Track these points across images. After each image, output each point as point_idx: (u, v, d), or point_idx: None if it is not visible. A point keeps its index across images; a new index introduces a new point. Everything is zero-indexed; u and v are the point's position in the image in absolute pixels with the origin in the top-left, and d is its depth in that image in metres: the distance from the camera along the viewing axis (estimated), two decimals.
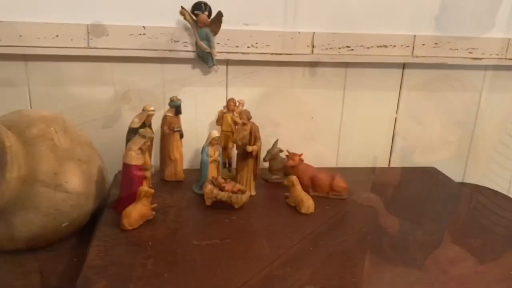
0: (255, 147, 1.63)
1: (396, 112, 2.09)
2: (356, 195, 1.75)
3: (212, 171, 1.68)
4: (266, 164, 1.83)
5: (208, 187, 1.59)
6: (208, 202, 1.60)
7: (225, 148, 1.85)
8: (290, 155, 1.72)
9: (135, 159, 1.52)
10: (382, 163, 2.15)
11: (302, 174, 1.72)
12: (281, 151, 1.82)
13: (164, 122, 1.74)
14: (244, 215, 1.56)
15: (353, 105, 1.96)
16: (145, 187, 1.48)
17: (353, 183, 1.82)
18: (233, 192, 1.58)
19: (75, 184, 1.45)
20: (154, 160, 1.82)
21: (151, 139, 1.58)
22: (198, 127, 1.93)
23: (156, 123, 1.75)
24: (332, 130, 1.97)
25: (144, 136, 1.51)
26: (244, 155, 1.65)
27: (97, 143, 1.73)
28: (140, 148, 1.53)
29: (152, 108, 1.63)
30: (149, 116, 1.64)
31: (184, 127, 1.79)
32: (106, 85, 1.86)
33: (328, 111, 1.94)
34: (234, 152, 1.73)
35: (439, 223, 1.57)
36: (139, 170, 1.53)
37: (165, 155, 1.77)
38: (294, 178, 1.64)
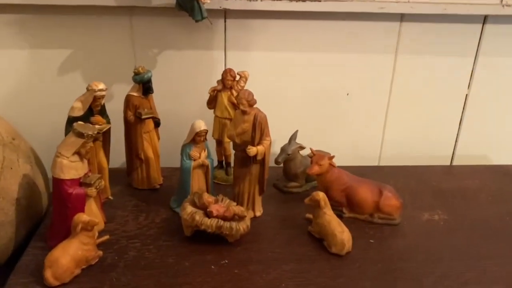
0: (261, 149, 1.05)
1: (468, 87, 1.46)
2: (413, 216, 1.18)
3: (197, 182, 1.12)
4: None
5: (187, 210, 1.03)
6: (187, 232, 1.05)
7: (220, 142, 1.27)
8: (316, 157, 1.13)
9: (69, 170, 0.96)
10: (443, 159, 1.54)
11: (333, 186, 1.14)
12: (302, 148, 1.24)
13: (128, 106, 1.17)
14: (242, 256, 1.01)
15: (407, 77, 1.46)
16: (83, 216, 0.93)
17: (406, 192, 1.26)
18: (225, 218, 1.02)
19: None
20: (117, 158, 1.27)
21: (100, 137, 1.01)
22: (181, 111, 1.36)
23: (119, 105, 1.18)
24: (375, 112, 1.48)
25: (81, 134, 0.95)
26: (245, 160, 1.07)
27: (31, 138, 1.18)
28: (77, 153, 0.97)
29: (100, 87, 1.06)
30: (98, 99, 1.07)
31: (162, 111, 1.21)
32: (45, 49, 1.28)
33: (371, 85, 1.41)
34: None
35: None
36: (75, 186, 0.97)
37: (132, 152, 1.21)
38: (320, 196, 1.06)
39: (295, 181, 1.27)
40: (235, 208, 1.03)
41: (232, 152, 1.19)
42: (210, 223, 1.01)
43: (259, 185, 1.11)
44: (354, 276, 0.96)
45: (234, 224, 1.01)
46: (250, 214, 1.12)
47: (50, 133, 1.24)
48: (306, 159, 1.24)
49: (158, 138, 1.25)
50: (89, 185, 0.99)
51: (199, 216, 1.02)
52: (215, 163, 1.29)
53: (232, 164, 1.27)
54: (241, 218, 1.03)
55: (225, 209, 1.03)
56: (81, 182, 0.99)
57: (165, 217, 1.13)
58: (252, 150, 1.04)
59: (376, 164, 1.52)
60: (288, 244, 1.05)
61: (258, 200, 1.14)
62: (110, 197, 1.19)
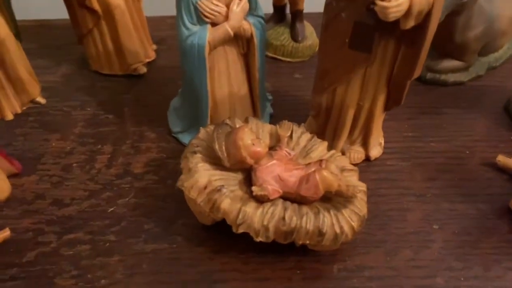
0: (402, 2, 0.31)
1: None
2: None
3: (226, 79, 0.43)
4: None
5: (200, 178, 0.37)
6: (204, 219, 0.41)
7: None
8: None
9: None
10: None
11: None
12: None
13: None
14: None
15: None
16: None
17: None
18: (305, 201, 0.36)
19: None
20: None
21: None
22: None
23: None
24: None
25: None
26: (362, 27, 0.34)
27: None
28: None
29: None
30: None
31: None
32: None
33: None
34: None
35: None
36: None
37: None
38: None
39: (459, 58, 0.54)
40: (331, 177, 0.36)
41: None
42: (262, 223, 0.36)
43: (396, 89, 0.40)
44: None
45: (327, 222, 0.36)
46: (357, 156, 0.45)
47: None
48: (489, 7, 0.50)
49: None
50: None
51: (235, 200, 0.36)
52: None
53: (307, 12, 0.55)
54: (346, 197, 0.37)
55: (304, 175, 0.37)
56: None
57: (157, 156, 0.49)
58: (395, 2, 0.31)
59: None
60: (465, 244, 0.41)
61: (378, 123, 0.45)
62: (39, 99, 0.54)
